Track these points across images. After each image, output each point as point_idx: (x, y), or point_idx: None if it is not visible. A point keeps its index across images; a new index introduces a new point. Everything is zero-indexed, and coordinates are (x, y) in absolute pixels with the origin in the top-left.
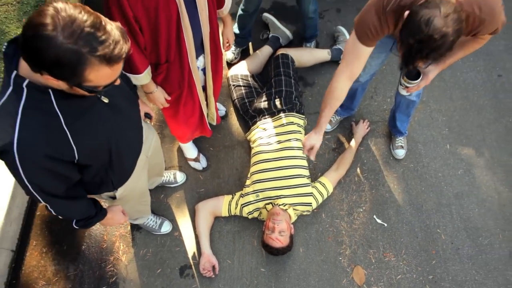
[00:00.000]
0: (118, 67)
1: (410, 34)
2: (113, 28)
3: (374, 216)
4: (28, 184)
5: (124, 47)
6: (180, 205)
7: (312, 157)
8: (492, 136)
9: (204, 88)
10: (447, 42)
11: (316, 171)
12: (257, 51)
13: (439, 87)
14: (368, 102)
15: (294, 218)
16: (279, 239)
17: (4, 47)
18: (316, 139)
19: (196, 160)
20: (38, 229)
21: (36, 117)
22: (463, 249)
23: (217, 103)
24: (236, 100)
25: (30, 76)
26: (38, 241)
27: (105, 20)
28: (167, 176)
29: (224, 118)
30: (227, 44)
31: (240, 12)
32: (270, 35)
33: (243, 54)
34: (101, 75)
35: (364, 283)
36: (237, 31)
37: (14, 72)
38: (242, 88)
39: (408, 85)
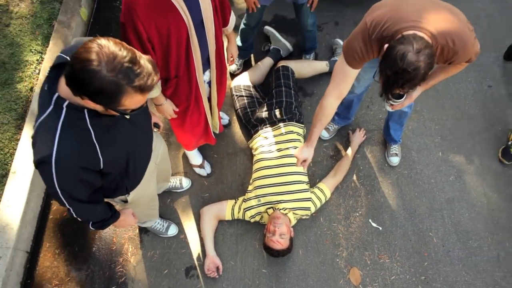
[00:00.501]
0: (148, 94)
1: (387, 67)
2: (146, 62)
3: (370, 220)
4: (59, 191)
5: (155, 78)
6: (185, 209)
7: (304, 169)
8: (482, 144)
9: (209, 99)
10: (420, 75)
11: (314, 177)
12: (259, 63)
13: (433, 97)
14: (364, 112)
15: (293, 221)
16: (279, 242)
17: (48, 71)
18: (308, 153)
19: (201, 166)
20: (51, 231)
21: (72, 133)
22: (454, 251)
23: (220, 112)
24: (239, 109)
25: (69, 98)
26: (51, 243)
27: (139, 55)
28: (173, 182)
29: (227, 126)
30: (231, 59)
31: (242, 26)
32: (271, 47)
33: (246, 65)
34: (134, 101)
35: (360, 283)
36: (239, 43)
37: (56, 94)
38: (245, 98)
39: (393, 103)
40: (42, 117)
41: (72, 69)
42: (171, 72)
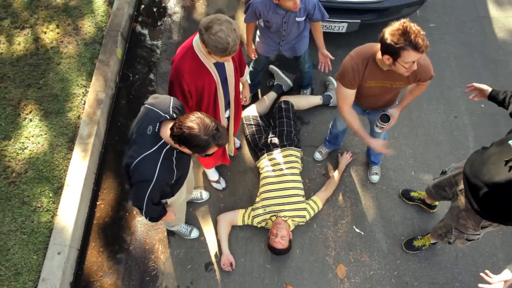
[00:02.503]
0: None
1: None
2: (222, 128)
3: (354, 227)
4: (146, 198)
5: (227, 137)
6: (205, 216)
7: (391, 152)
8: (447, 165)
9: (227, 130)
10: None
11: (309, 191)
12: (265, 96)
13: (408, 126)
14: (351, 138)
15: (292, 227)
16: (281, 242)
17: (157, 126)
18: (377, 140)
19: (217, 182)
20: (96, 233)
21: (165, 163)
22: (421, 252)
23: (234, 138)
24: (248, 135)
25: (169, 142)
26: (96, 242)
27: (218, 123)
28: (195, 194)
29: (239, 149)
30: (245, 99)
31: (250, 69)
32: (275, 83)
33: (254, 98)
34: (212, 150)
35: (345, 277)
36: (248, 81)
37: (162, 140)
38: (253, 126)
39: (383, 125)
40: (148, 152)
41: (181, 132)
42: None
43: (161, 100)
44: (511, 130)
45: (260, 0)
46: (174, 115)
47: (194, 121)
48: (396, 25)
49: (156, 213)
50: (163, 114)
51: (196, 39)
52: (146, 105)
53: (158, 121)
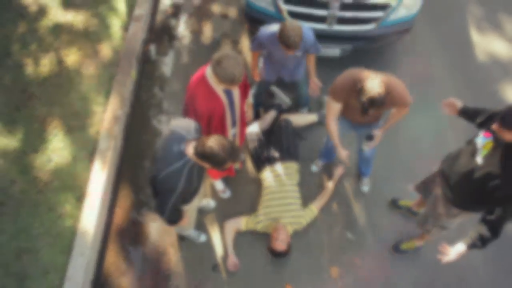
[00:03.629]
0: None
1: (364, 95)
2: (237, 148)
3: (347, 232)
4: (170, 205)
5: (239, 155)
6: (212, 223)
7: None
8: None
9: None
10: (381, 100)
11: (306, 200)
12: (266, 115)
13: (395, 140)
14: None
15: (290, 232)
16: (280, 245)
17: (182, 145)
18: (343, 150)
19: (224, 191)
20: (113, 237)
21: (188, 174)
22: (407, 254)
23: None
24: (251, 150)
25: (192, 158)
26: (113, 246)
27: (233, 143)
28: (204, 202)
29: (243, 163)
30: (249, 118)
31: (253, 90)
32: (275, 102)
33: (256, 116)
34: (228, 166)
35: (338, 277)
36: (251, 101)
37: (187, 157)
38: (256, 142)
39: (368, 145)
40: (175, 166)
41: (203, 151)
42: (212, 132)
43: (184, 124)
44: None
45: (266, 35)
46: (196, 136)
47: (214, 142)
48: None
49: (175, 217)
50: (187, 135)
51: (208, 70)
52: (171, 127)
53: (183, 141)
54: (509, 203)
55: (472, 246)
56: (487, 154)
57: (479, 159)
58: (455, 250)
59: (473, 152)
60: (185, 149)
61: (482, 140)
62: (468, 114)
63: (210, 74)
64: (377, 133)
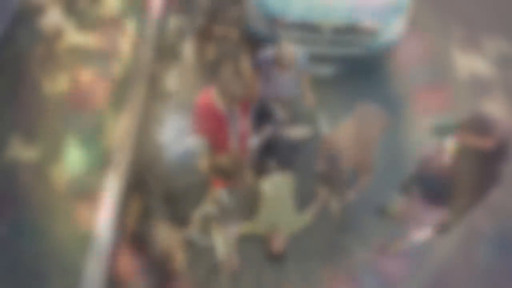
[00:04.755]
0: None
1: None
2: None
3: (338, 236)
4: None
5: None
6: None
7: None
8: None
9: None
10: None
11: (301, 207)
12: (265, 130)
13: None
14: None
15: (287, 236)
16: (278, 249)
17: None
18: None
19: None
20: (126, 241)
21: None
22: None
23: None
24: (250, 161)
25: None
26: (126, 248)
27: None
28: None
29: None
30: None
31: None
32: (272, 117)
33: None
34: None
35: (332, 276)
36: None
37: None
38: (254, 153)
39: None
40: None
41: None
42: (218, 145)
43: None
44: None
45: (263, 56)
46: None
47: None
48: None
49: None
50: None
51: (212, 88)
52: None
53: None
54: None
55: None
56: None
57: None
58: None
59: None
60: None
61: None
62: None
63: (213, 92)
64: None
